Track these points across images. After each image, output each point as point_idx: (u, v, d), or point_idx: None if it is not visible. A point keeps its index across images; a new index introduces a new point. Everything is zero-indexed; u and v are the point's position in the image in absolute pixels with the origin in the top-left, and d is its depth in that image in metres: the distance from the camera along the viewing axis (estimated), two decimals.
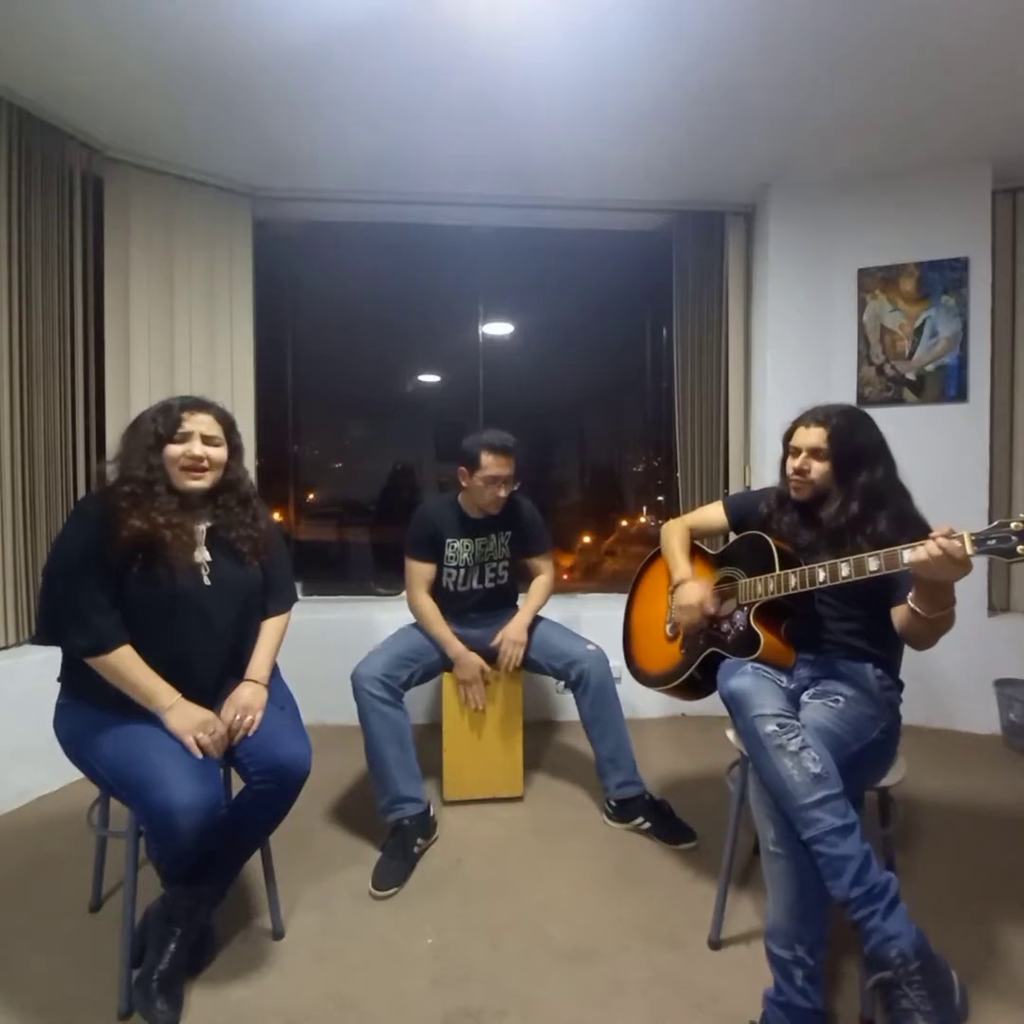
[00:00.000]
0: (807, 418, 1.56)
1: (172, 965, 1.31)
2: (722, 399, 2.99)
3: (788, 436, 1.58)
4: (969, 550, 1.15)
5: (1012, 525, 1.13)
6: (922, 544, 1.19)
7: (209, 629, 1.40)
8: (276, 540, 1.56)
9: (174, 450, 1.36)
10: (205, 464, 1.38)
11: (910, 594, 1.32)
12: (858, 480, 1.48)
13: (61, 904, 1.63)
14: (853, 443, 1.50)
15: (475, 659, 2.06)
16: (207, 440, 1.39)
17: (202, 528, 1.42)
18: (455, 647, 2.07)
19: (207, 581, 1.39)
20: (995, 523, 1.15)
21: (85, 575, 1.29)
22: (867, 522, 1.44)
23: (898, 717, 1.48)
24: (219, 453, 1.42)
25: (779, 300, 2.84)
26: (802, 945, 1.20)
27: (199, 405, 1.42)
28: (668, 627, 1.78)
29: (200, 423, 1.39)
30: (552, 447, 3.61)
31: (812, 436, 1.52)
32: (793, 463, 1.55)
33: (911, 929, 1.15)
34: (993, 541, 1.14)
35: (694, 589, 1.63)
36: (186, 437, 1.37)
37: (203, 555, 1.40)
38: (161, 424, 1.36)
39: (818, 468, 1.51)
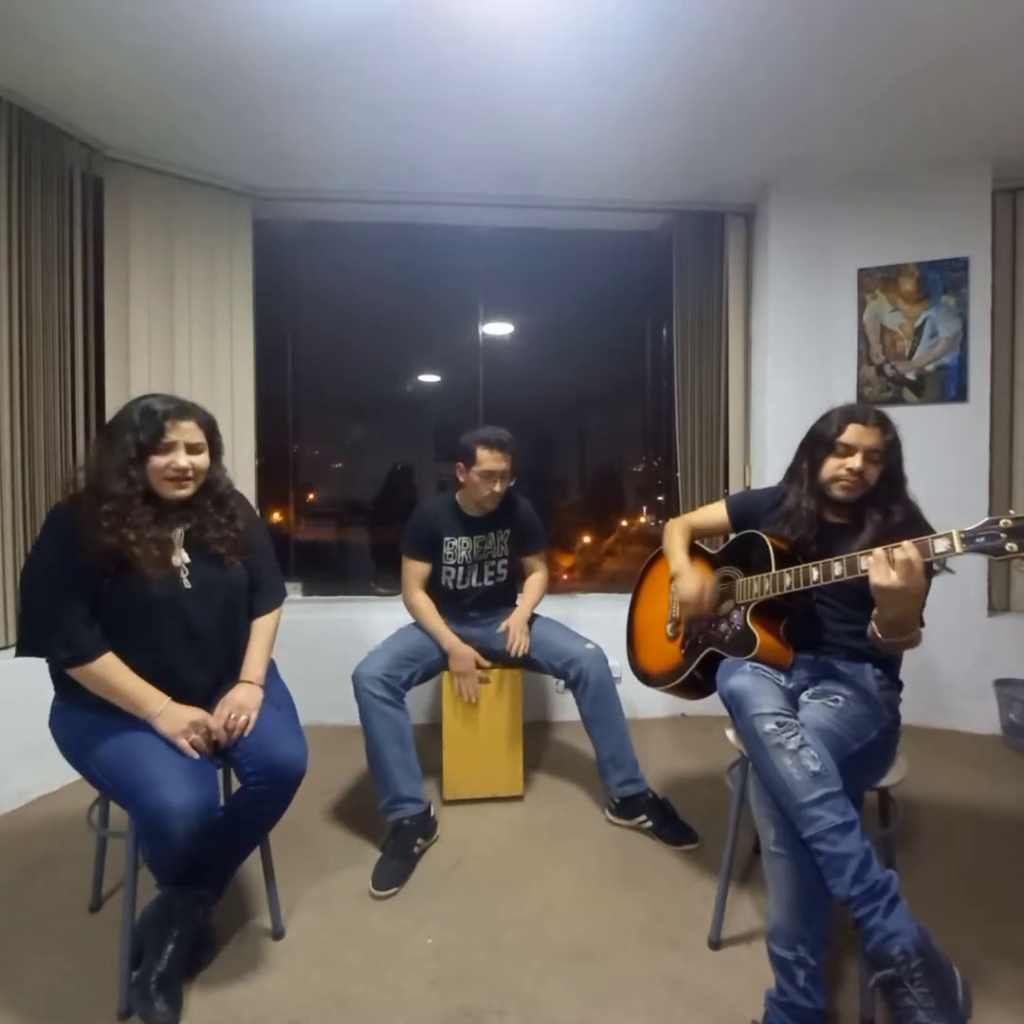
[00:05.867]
0: (863, 416, 1.49)
1: (170, 966, 1.31)
2: (722, 399, 2.99)
3: (836, 432, 1.49)
4: (958, 548, 1.16)
5: (1001, 522, 1.13)
6: (899, 545, 1.22)
7: (191, 632, 1.38)
8: (258, 537, 1.53)
9: (158, 462, 1.30)
10: (190, 474, 1.34)
11: (873, 614, 1.34)
12: (902, 488, 1.51)
13: (61, 904, 1.63)
14: (900, 449, 1.52)
15: (468, 651, 2.07)
16: (191, 448, 1.34)
17: (179, 531, 1.38)
18: (449, 639, 2.08)
19: (187, 584, 1.37)
20: (984, 520, 1.15)
21: (61, 586, 1.27)
22: (911, 531, 1.40)
23: (898, 717, 1.48)
24: (203, 460, 1.37)
25: (779, 300, 2.84)
26: (804, 945, 1.20)
27: (182, 411, 1.34)
28: (669, 626, 1.78)
29: (184, 431, 1.33)
30: (552, 447, 3.61)
31: (871, 436, 1.47)
32: (848, 462, 1.48)
33: (913, 926, 1.15)
34: (982, 539, 1.14)
35: (692, 579, 1.63)
36: (170, 447, 1.31)
37: (181, 558, 1.38)
38: (143, 433, 1.29)
39: (872, 471, 1.49)
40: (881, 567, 1.22)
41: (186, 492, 1.36)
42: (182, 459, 1.33)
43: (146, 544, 1.29)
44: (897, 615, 1.29)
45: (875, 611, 1.33)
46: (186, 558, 1.38)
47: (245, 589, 1.49)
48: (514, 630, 2.10)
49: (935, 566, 1.26)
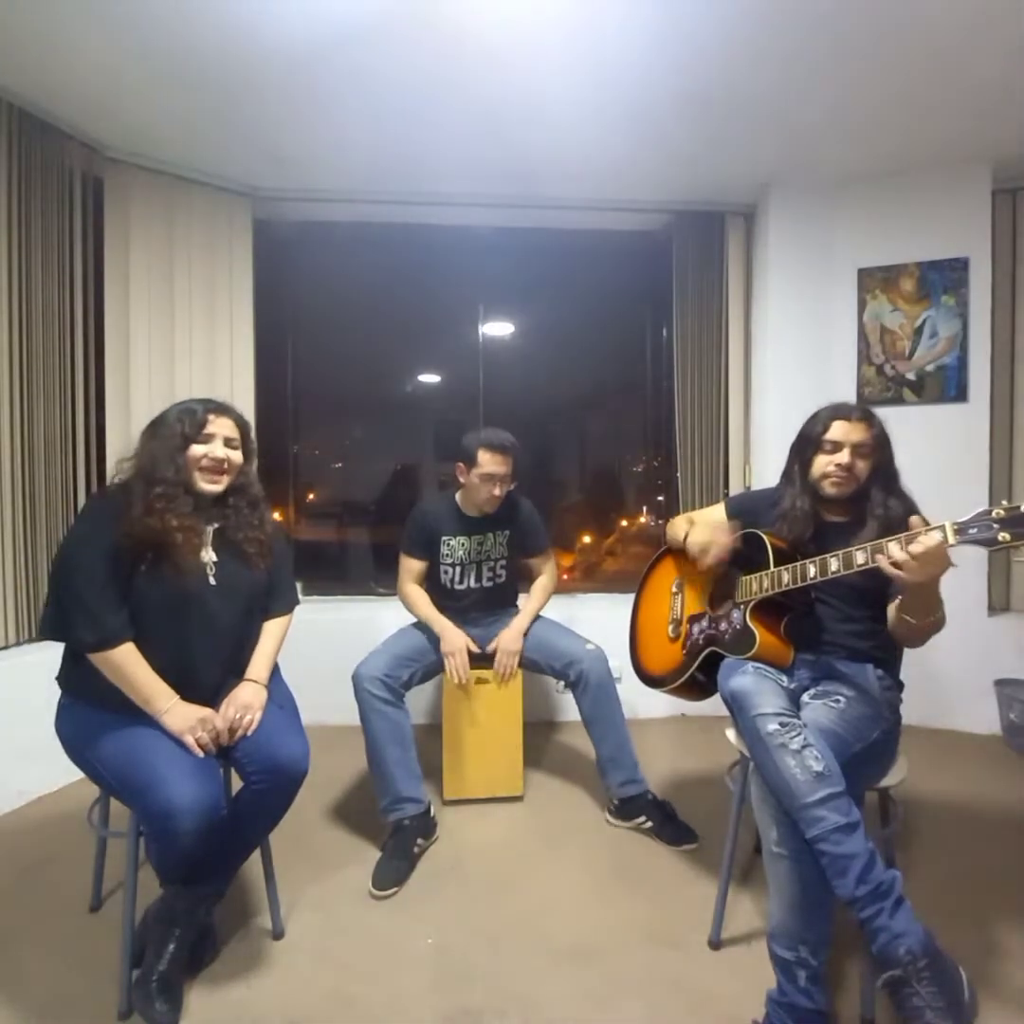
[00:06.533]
0: (847, 412, 1.51)
1: (171, 965, 1.31)
2: (722, 399, 2.99)
3: (822, 430, 1.52)
4: (951, 539, 1.16)
5: (994, 513, 1.13)
6: (902, 536, 1.21)
7: (212, 628, 1.41)
8: (279, 542, 1.58)
9: (197, 450, 1.38)
10: (225, 466, 1.41)
11: (898, 602, 1.33)
12: (895, 481, 1.51)
13: (61, 904, 1.63)
14: (889, 443, 1.52)
15: (460, 635, 2.06)
16: (228, 443, 1.42)
17: (209, 530, 1.43)
18: (440, 622, 2.08)
19: (212, 581, 1.40)
20: (977, 511, 1.15)
21: (96, 570, 1.30)
22: (905, 524, 1.39)
23: (898, 717, 1.48)
24: (238, 456, 1.45)
25: (779, 300, 2.84)
26: (805, 946, 1.20)
27: (221, 409, 1.44)
28: (671, 627, 1.78)
29: (223, 426, 1.42)
30: (552, 447, 3.61)
31: (857, 432, 1.49)
32: (836, 458, 1.49)
33: (918, 927, 1.15)
34: (975, 530, 1.14)
35: (702, 530, 1.63)
36: (209, 438, 1.40)
37: (209, 555, 1.41)
38: (187, 425, 1.38)
39: (862, 466, 1.49)
40: (900, 561, 1.21)
41: (219, 487, 1.41)
42: (219, 450, 1.40)
43: (187, 531, 1.34)
44: (925, 594, 1.29)
45: (897, 602, 1.33)
46: (213, 556, 1.42)
47: (265, 592, 1.53)
48: (501, 654, 2.07)
49: None
